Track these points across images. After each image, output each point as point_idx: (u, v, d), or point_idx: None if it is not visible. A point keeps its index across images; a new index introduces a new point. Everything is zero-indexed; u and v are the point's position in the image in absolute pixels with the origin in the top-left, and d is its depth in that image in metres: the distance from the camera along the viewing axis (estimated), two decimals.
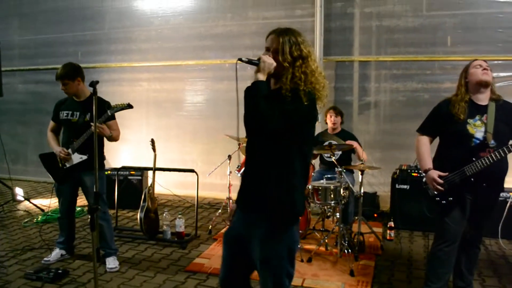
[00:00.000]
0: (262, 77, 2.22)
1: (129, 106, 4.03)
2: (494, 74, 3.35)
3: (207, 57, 7.25)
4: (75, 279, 3.97)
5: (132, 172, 6.37)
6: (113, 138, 4.15)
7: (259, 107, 2.13)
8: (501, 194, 4.88)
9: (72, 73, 4.06)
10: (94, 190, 3.10)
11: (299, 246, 4.60)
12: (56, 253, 4.38)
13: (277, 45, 2.24)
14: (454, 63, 6.07)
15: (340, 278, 4.02)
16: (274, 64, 2.22)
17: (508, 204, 5.09)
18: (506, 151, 3.09)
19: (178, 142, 7.46)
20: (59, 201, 4.40)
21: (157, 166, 5.12)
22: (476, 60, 3.37)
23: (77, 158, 4.11)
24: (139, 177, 6.42)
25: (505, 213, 5.09)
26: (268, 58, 2.23)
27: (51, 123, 4.34)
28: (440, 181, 3.23)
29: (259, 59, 2.24)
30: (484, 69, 3.23)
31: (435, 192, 3.31)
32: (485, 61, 3.33)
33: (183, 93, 7.48)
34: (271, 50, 2.27)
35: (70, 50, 7.98)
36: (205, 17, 7.23)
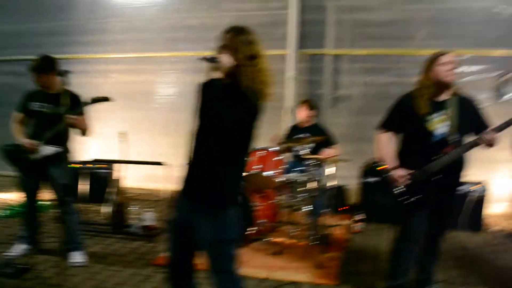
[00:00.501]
0: (218, 75, 2.30)
1: (105, 99, 3.99)
2: (465, 68, 3.30)
3: (179, 49, 7.19)
4: (39, 274, 3.90)
5: (99, 166, 6.27)
6: (86, 133, 4.11)
7: (215, 107, 2.26)
8: (460, 188, 5.04)
9: (49, 66, 3.99)
10: (64, 182, 3.07)
11: (268, 238, 4.64)
12: (20, 247, 4.29)
13: (233, 43, 2.30)
14: (426, 57, 6.11)
15: (308, 270, 4.04)
16: (230, 63, 2.28)
17: (467, 198, 5.22)
18: (470, 145, 3.11)
19: (148, 135, 7.39)
20: (22, 195, 4.30)
21: (127, 159, 5.06)
22: (443, 54, 3.21)
23: (49, 149, 4.02)
24: (108, 170, 6.34)
25: (465, 206, 5.21)
26: (225, 57, 2.28)
27: (17, 115, 4.22)
28: (406, 179, 3.20)
29: (215, 58, 2.28)
30: (453, 68, 3.15)
31: (400, 190, 3.27)
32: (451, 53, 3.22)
33: (155, 85, 7.44)
34: (227, 48, 2.31)
35: (41, 41, 7.81)
36: (178, 8, 7.18)
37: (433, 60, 3.22)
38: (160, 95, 7.41)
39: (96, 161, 6.14)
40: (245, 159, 2.47)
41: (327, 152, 5.24)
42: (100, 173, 6.27)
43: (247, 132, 2.33)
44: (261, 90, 2.30)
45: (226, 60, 2.27)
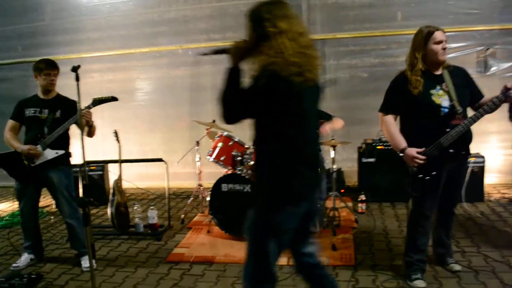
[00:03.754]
0: (231, 64, 2.18)
1: (114, 99, 3.99)
2: (447, 45, 3.32)
3: (161, 44, 7.04)
4: (51, 282, 3.78)
5: (92, 167, 6.10)
6: (92, 132, 4.06)
7: (222, 100, 2.16)
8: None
9: (56, 64, 4.02)
10: (84, 182, 2.98)
11: None
12: (25, 258, 4.14)
13: (246, 26, 2.20)
14: (408, 36, 6.06)
15: (323, 254, 4.04)
16: (242, 48, 2.18)
17: (469, 169, 5.32)
18: (479, 115, 3.13)
19: (136, 133, 7.22)
20: (20, 204, 4.13)
21: (117, 159, 4.95)
22: (434, 30, 3.19)
23: (51, 153, 3.92)
24: (100, 172, 6.18)
25: (467, 178, 5.32)
26: (236, 43, 2.18)
27: (11, 123, 4.08)
28: (422, 157, 3.18)
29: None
30: (445, 47, 3.17)
31: (415, 169, 3.26)
32: (437, 28, 3.19)
33: (138, 82, 7.26)
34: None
35: (10, 44, 7.53)
36: (156, 2, 7.00)
37: (427, 37, 3.19)
38: (144, 92, 7.25)
39: (91, 162, 5.95)
40: (288, 143, 2.20)
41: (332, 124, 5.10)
42: (93, 175, 6.09)
43: (267, 115, 2.15)
44: (268, 72, 2.05)
45: (236, 46, 2.19)
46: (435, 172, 3.24)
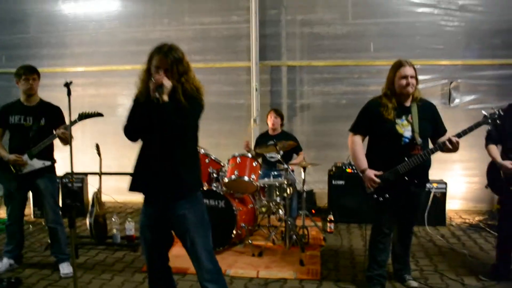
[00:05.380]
0: (167, 98, 2.55)
1: (99, 114, 4.19)
2: (412, 81, 3.66)
3: (144, 62, 7.25)
4: (29, 287, 3.92)
5: (71, 180, 6.23)
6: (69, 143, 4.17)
7: (177, 123, 2.59)
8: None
9: (36, 69, 4.15)
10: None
11: (249, 241, 4.88)
12: (5, 262, 4.26)
13: (166, 65, 2.60)
14: (378, 67, 6.66)
15: (291, 268, 4.32)
16: (171, 84, 2.57)
17: (432, 195, 5.72)
18: (435, 149, 3.48)
19: (115, 147, 7.34)
20: (7, 208, 4.29)
21: (96, 171, 5.15)
22: (401, 66, 3.47)
23: (39, 163, 4.10)
24: (80, 184, 6.34)
25: (429, 203, 5.72)
26: (167, 81, 2.56)
27: None
28: (378, 180, 3.50)
29: (161, 85, 2.53)
30: (408, 83, 3.45)
31: (372, 190, 3.59)
32: (409, 63, 3.49)
33: (120, 98, 7.46)
34: (162, 68, 2.60)
35: None
36: (141, 22, 7.27)
37: (395, 71, 3.52)
38: (125, 108, 7.45)
39: (69, 174, 6.09)
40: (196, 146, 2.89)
41: (294, 161, 5.59)
42: (73, 187, 6.23)
43: (196, 128, 2.81)
44: (198, 96, 2.69)
45: (168, 84, 2.55)
46: (387, 195, 3.57)
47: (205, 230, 2.79)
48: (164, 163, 2.68)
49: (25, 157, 4.06)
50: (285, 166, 4.89)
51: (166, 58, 2.59)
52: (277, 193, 5.02)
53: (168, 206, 2.73)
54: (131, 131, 2.80)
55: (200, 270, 2.77)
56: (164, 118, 2.55)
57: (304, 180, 5.12)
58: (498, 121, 3.42)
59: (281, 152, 5.20)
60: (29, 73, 4.07)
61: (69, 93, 3.11)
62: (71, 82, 3.11)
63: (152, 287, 2.99)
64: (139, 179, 2.78)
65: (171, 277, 3.06)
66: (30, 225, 5.84)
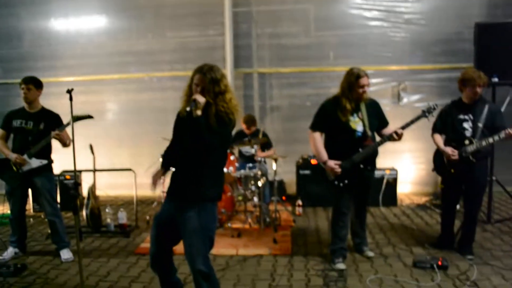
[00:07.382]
0: (200, 112, 2.54)
1: (89, 117, 4.16)
2: (367, 89, 3.88)
3: (130, 72, 7.35)
4: (34, 271, 3.96)
5: (67, 177, 6.27)
6: (68, 145, 4.23)
7: (204, 138, 2.55)
8: (379, 172, 5.82)
9: (38, 82, 4.20)
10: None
11: (229, 225, 5.02)
12: (10, 251, 4.29)
13: (204, 84, 2.59)
14: (337, 73, 6.80)
15: (266, 246, 4.49)
16: (204, 100, 2.58)
17: (385, 180, 6.00)
18: (384, 140, 3.75)
19: (106, 148, 7.37)
20: (9, 203, 4.32)
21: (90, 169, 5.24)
22: (360, 77, 3.68)
23: (36, 162, 4.13)
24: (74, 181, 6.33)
25: (383, 187, 5.99)
26: (201, 98, 2.54)
27: (0, 132, 4.28)
28: (338, 169, 3.72)
29: (194, 100, 2.53)
30: (364, 91, 3.70)
31: (333, 177, 3.81)
32: (364, 73, 3.72)
33: (109, 104, 7.49)
34: (199, 86, 2.61)
35: None
36: (127, 36, 7.31)
37: (356, 79, 3.70)
38: (113, 113, 7.50)
39: (66, 172, 6.13)
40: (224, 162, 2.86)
41: (266, 153, 5.76)
42: (68, 184, 6.24)
43: (224, 148, 2.79)
44: (230, 118, 2.63)
45: (202, 100, 2.54)
46: (346, 181, 3.81)
47: (205, 237, 2.68)
48: (189, 172, 2.68)
49: (25, 156, 4.10)
50: (259, 158, 5.05)
51: (204, 77, 2.58)
52: (252, 182, 5.18)
53: (182, 206, 2.69)
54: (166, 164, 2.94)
55: (193, 271, 2.69)
56: (194, 130, 2.55)
57: (275, 171, 5.30)
58: (432, 114, 3.75)
59: (255, 147, 5.37)
60: (24, 83, 4.13)
61: (71, 99, 3.17)
62: (72, 89, 3.16)
63: (154, 269, 2.92)
64: (172, 180, 2.80)
65: (172, 260, 2.98)
66: (31, 219, 5.82)
